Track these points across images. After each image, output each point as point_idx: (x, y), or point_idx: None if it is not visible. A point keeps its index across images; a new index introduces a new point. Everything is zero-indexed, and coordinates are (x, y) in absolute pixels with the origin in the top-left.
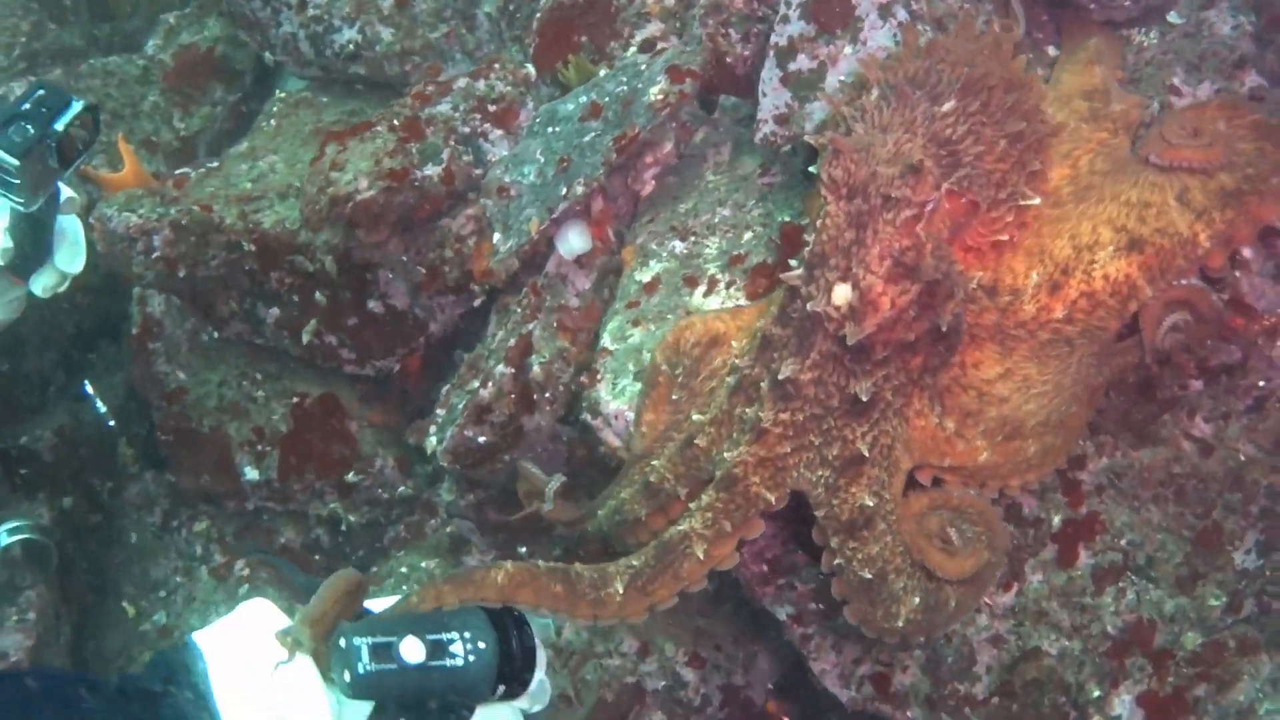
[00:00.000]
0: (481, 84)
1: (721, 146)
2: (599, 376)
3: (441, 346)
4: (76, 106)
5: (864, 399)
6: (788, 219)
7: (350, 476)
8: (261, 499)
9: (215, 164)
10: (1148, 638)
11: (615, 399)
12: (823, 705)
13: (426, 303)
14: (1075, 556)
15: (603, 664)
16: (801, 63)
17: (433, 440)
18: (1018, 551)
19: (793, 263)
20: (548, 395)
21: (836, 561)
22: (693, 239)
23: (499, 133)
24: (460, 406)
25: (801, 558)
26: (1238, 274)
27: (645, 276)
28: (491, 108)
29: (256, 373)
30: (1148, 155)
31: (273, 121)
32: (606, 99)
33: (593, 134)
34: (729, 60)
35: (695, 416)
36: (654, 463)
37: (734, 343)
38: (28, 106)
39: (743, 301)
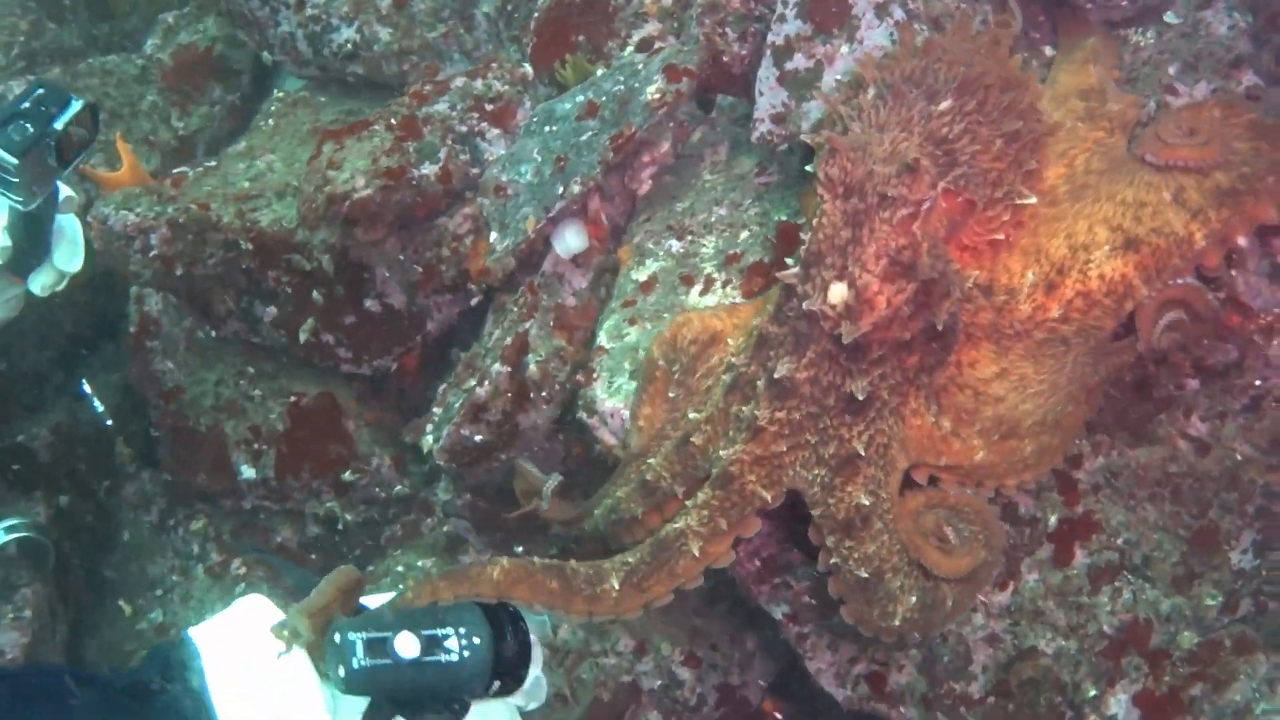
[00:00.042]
0: (479, 83)
1: (719, 146)
2: (595, 375)
3: (438, 345)
4: (76, 105)
5: (860, 398)
6: (784, 218)
7: (347, 475)
8: (258, 498)
9: (213, 163)
10: (1144, 637)
11: (611, 397)
12: (818, 704)
13: (423, 301)
14: (1071, 556)
15: (599, 663)
16: (798, 62)
17: (429, 439)
18: (1014, 551)
19: (789, 261)
20: (544, 394)
21: (833, 561)
22: (689, 238)
23: (496, 132)
24: (457, 405)
25: (797, 556)
26: (1234, 273)
27: (642, 275)
28: (489, 107)
29: (253, 371)
30: (1143, 154)
31: (270, 121)
32: (603, 98)
33: (590, 133)
34: (726, 59)
35: (691, 415)
36: (650, 461)
37: (730, 341)
38: (27, 105)
39: (739, 300)
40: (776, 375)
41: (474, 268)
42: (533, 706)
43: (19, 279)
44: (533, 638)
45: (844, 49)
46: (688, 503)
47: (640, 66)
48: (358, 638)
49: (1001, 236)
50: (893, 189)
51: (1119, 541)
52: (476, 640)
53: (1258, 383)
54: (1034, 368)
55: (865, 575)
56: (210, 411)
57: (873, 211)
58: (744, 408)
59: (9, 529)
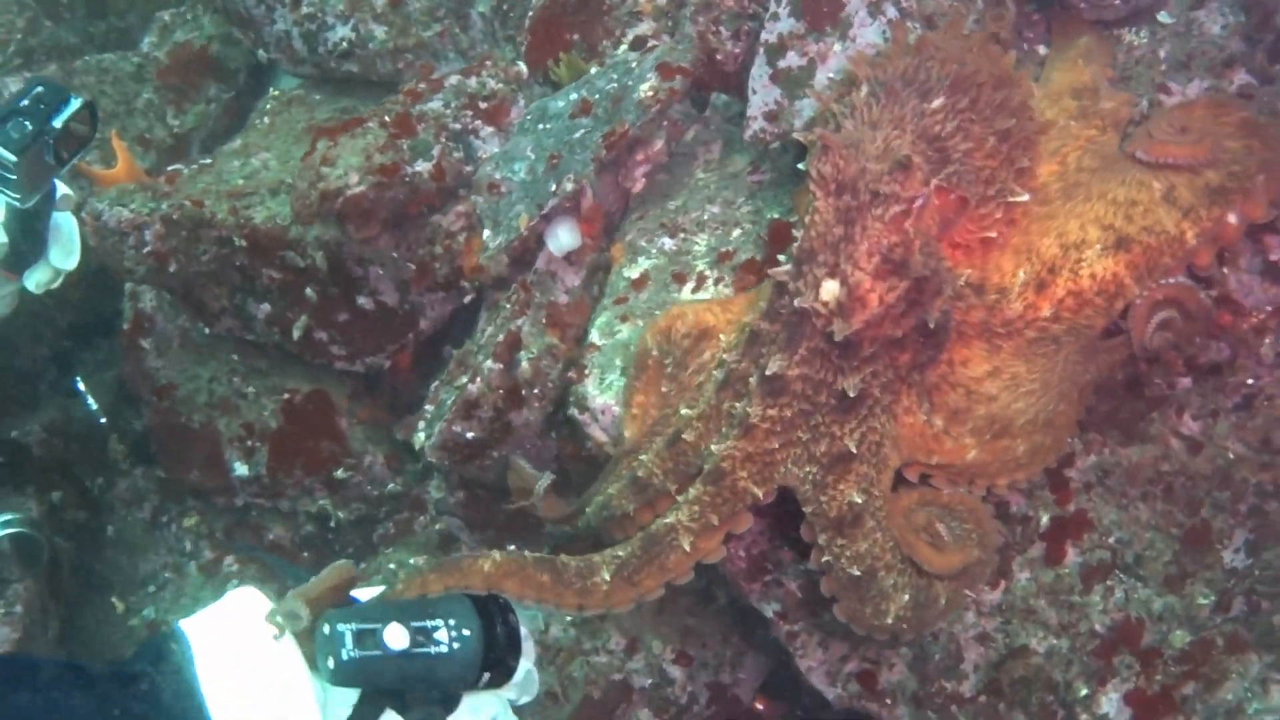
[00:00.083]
0: (473, 81)
1: (712, 144)
2: (586, 372)
3: (431, 343)
4: (75, 104)
5: (852, 395)
6: (777, 216)
7: (339, 473)
8: (251, 495)
9: (208, 160)
10: (1136, 636)
11: (602, 394)
12: (810, 703)
13: (416, 299)
14: (1063, 554)
15: (590, 661)
16: (791, 60)
17: (421, 436)
18: (1005, 549)
19: (781, 258)
20: (536, 391)
21: (825, 559)
22: (682, 236)
23: (490, 130)
24: (449, 402)
25: (788, 554)
26: (1225, 271)
27: (634, 273)
28: (483, 105)
29: (246, 369)
30: (1135, 152)
31: (266, 119)
32: (597, 96)
33: (583, 131)
34: (719, 58)
35: (683, 411)
36: (642, 458)
37: (722, 336)
38: (26, 103)
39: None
40: (768, 372)
41: (467, 265)
42: (525, 700)
43: (14, 276)
44: (524, 631)
45: (837, 47)
46: (679, 498)
47: (634, 64)
48: (347, 629)
49: (994, 234)
50: (885, 186)
51: (1111, 540)
52: (466, 632)
53: (1250, 381)
54: (1026, 366)
55: (858, 573)
56: (203, 408)
57: (865, 209)
58: (736, 404)
59: (2, 524)
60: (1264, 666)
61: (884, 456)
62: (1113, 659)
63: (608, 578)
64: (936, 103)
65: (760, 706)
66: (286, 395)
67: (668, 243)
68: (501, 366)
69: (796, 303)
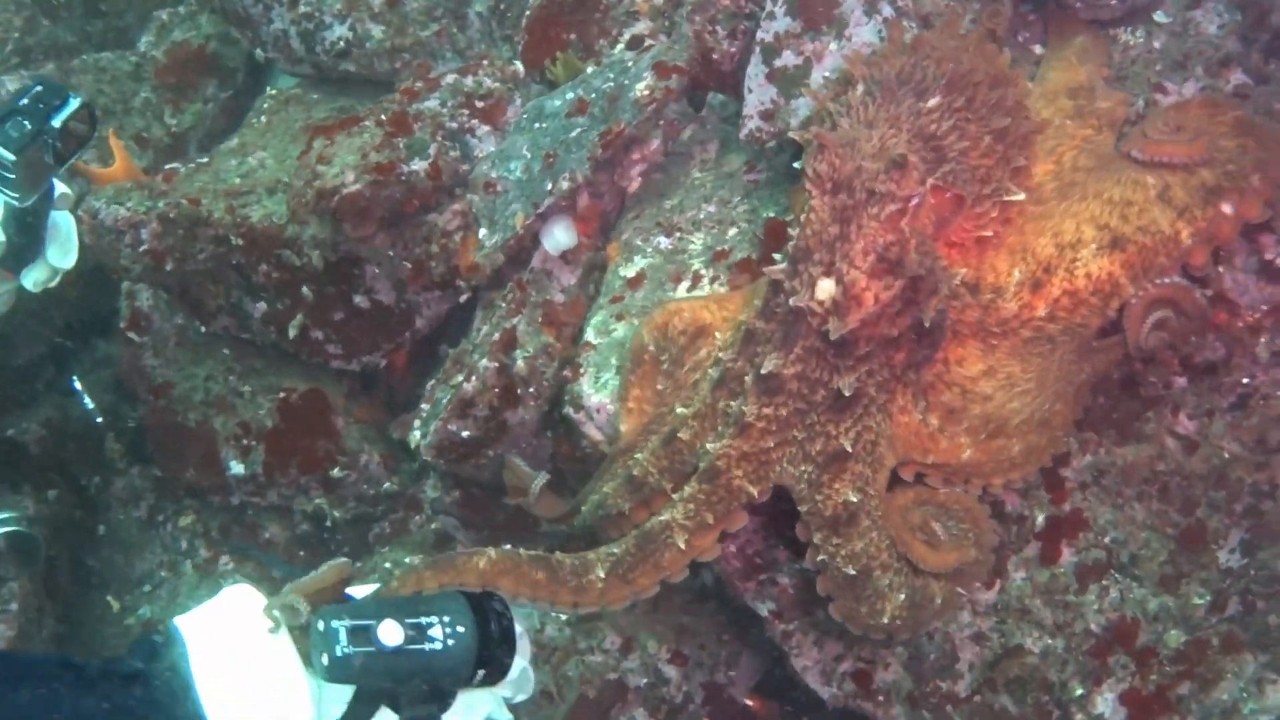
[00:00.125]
0: (470, 80)
1: (708, 144)
2: (581, 370)
3: (427, 342)
4: (74, 103)
5: (847, 394)
6: (773, 215)
7: (335, 472)
8: (246, 494)
9: (205, 159)
10: (1131, 636)
11: (598, 392)
12: (805, 703)
13: (412, 298)
14: (1058, 554)
15: (585, 660)
16: (787, 59)
17: (416, 435)
18: (1001, 549)
19: (777, 257)
20: (532, 390)
21: (820, 558)
22: (678, 235)
23: (486, 129)
24: (444, 401)
25: (783, 553)
26: (1221, 270)
27: (630, 272)
28: (479, 104)
29: (243, 367)
30: (1130, 151)
31: (263, 118)
32: (593, 95)
33: (579, 130)
34: (715, 57)
35: (679, 410)
36: (637, 456)
37: (718, 335)
38: (25, 102)
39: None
40: (764, 371)
41: (463, 264)
42: (520, 699)
43: (12, 275)
44: (519, 628)
45: (833, 46)
46: (674, 496)
47: (630, 64)
48: (341, 625)
49: (989, 233)
50: (881, 185)
51: (1106, 540)
52: (461, 629)
53: (1245, 380)
54: (1021, 366)
55: (853, 572)
56: (200, 407)
57: (861, 208)
58: (731, 403)
59: (0, 523)
60: (1259, 666)
61: (879, 455)
62: (1108, 659)
63: (602, 575)
64: (932, 102)
65: (755, 706)
66: (283, 394)
67: (664, 242)
68: (497, 365)
69: (792, 301)
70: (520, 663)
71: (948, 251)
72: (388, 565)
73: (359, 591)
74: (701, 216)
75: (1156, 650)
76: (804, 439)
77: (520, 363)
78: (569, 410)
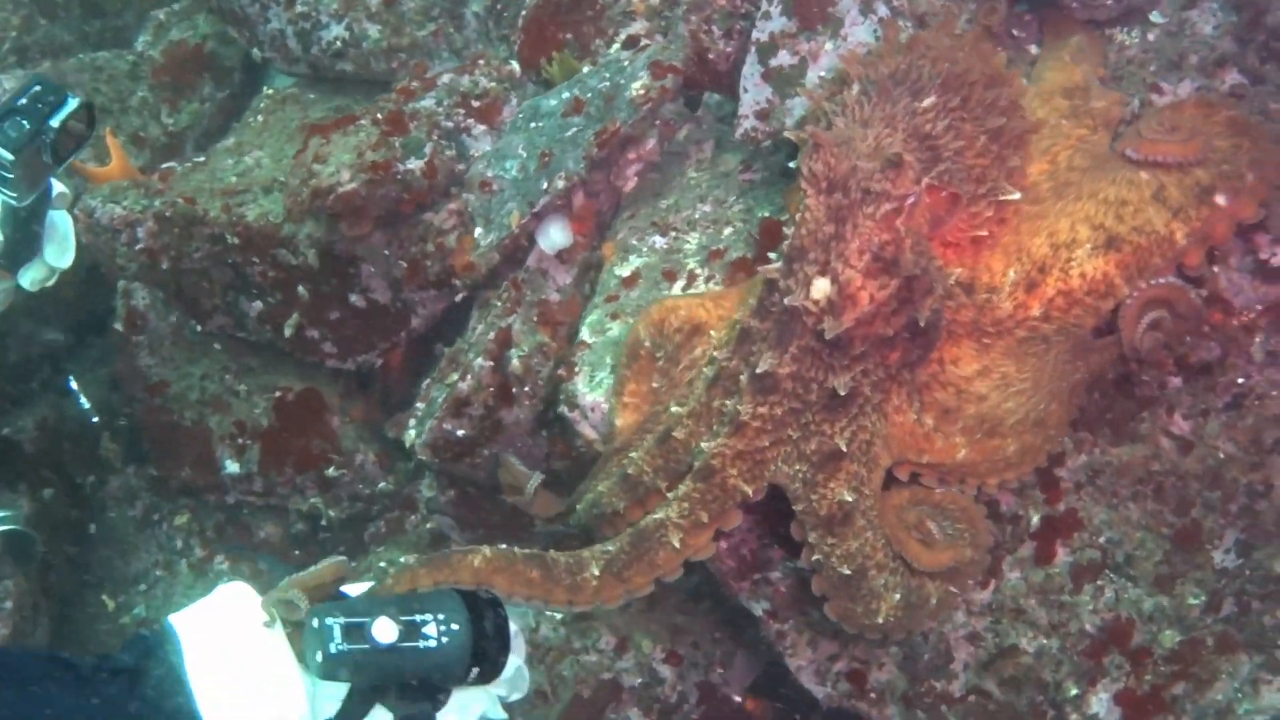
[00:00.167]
0: (466, 80)
1: (704, 143)
2: (576, 369)
3: (423, 341)
4: (73, 103)
5: (842, 393)
6: (768, 214)
7: (331, 471)
8: (241, 493)
9: (201, 159)
10: (1126, 636)
11: (592, 391)
12: (800, 703)
13: (408, 297)
14: (1053, 554)
15: (579, 660)
16: (783, 58)
17: (411, 434)
18: (996, 548)
19: (772, 256)
20: (527, 389)
21: (815, 557)
22: (673, 234)
23: (482, 128)
24: (439, 400)
25: (778, 553)
26: (1215, 269)
27: (625, 271)
28: (475, 103)
29: (239, 367)
30: (1125, 150)
31: (259, 117)
32: (589, 95)
33: (575, 129)
34: (711, 57)
35: (674, 409)
36: (632, 455)
37: (713, 333)
38: (24, 102)
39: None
40: (759, 370)
41: (459, 263)
42: (515, 697)
43: (9, 274)
44: (513, 627)
45: (828, 46)
46: (669, 494)
47: (626, 63)
48: (335, 622)
49: (984, 233)
50: (876, 184)
51: (1101, 540)
52: (455, 627)
53: (1240, 380)
54: (1016, 366)
55: (848, 572)
56: (195, 406)
57: (856, 207)
58: (727, 402)
59: None
60: (1254, 667)
61: (874, 455)
62: (1103, 659)
63: (597, 573)
64: (928, 101)
65: (750, 706)
66: (278, 393)
67: (659, 241)
68: (492, 364)
69: (787, 301)
70: (515, 661)
71: (943, 251)
72: (383, 564)
73: (354, 590)
74: (697, 216)
75: (1151, 650)
76: (799, 438)
77: (515, 362)
78: (564, 409)
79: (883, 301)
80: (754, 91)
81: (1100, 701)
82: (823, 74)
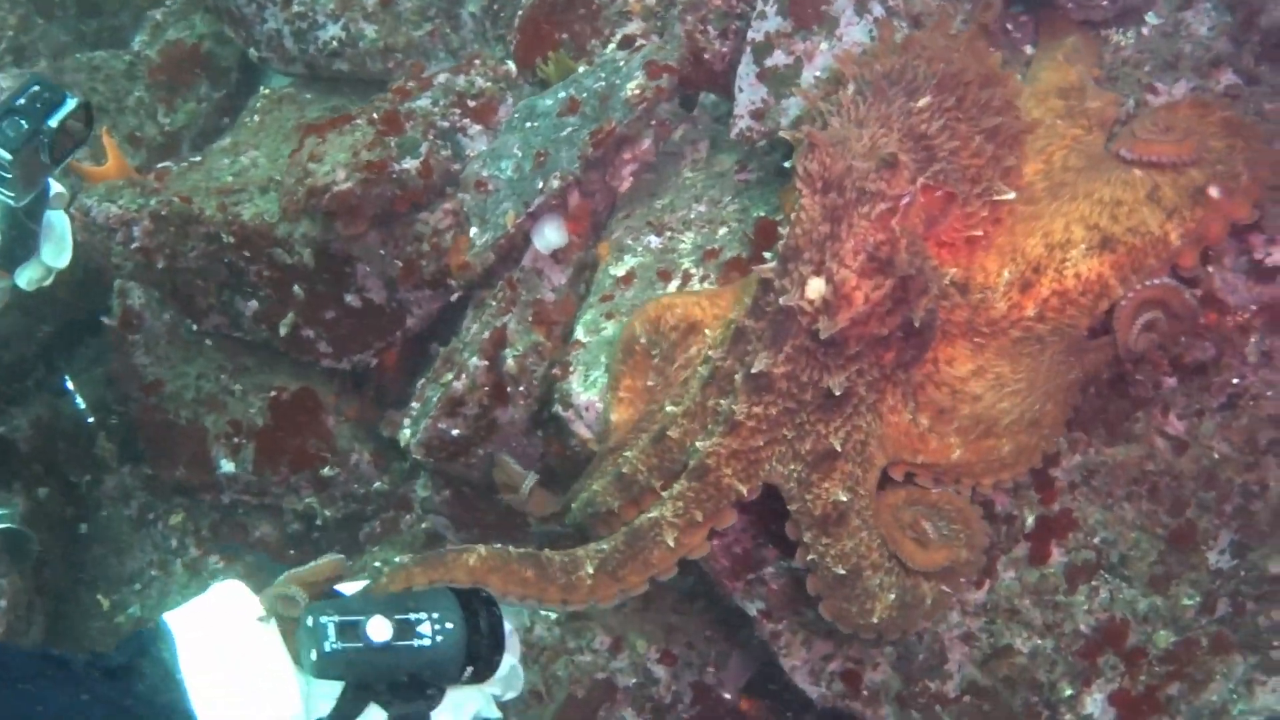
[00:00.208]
0: (461, 79)
1: (699, 143)
2: (571, 369)
3: (418, 341)
4: (71, 103)
5: (837, 393)
6: (763, 214)
7: (326, 471)
8: (237, 492)
9: (197, 158)
10: (1121, 636)
11: (587, 391)
12: (794, 703)
13: (404, 296)
14: (1048, 554)
15: (574, 660)
16: (778, 58)
17: (406, 433)
18: (990, 549)
19: (767, 255)
20: (521, 388)
21: (810, 557)
22: (668, 234)
23: (478, 128)
24: (434, 399)
25: (772, 552)
26: (1210, 270)
27: (620, 270)
28: (471, 103)
29: (234, 366)
30: (1120, 150)
31: (256, 117)
32: (584, 95)
33: (570, 129)
34: (707, 57)
35: (669, 408)
36: (627, 454)
37: (708, 332)
38: (22, 101)
39: None
40: (754, 370)
41: (454, 262)
42: (509, 696)
43: (5, 273)
44: (508, 626)
45: (823, 45)
46: (664, 494)
47: (621, 63)
48: (329, 621)
49: (979, 233)
50: (871, 184)
51: (1096, 540)
52: (449, 625)
53: (1235, 380)
54: (1010, 366)
55: (843, 572)
56: (190, 405)
57: (851, 207)
58: (721, 401)
59: None
60: (1249, 667)
61: (869, 455)
62: (1097, 659)
63: (591, 572)
64: (923, 101)
65: (744, 706)
66: (273, 392)
67: (654, 241)
68: (487, 364)
69: (782, 300)
70: (509, 660)
71: (938, 251)
72: (378, 564)
73: (348, 589)
74: (692, 216)
75: (1146, 651)
76: (794, 438)
77: (510, 361)
78: (558, 408)
79: (878, 301)
80: (749, 91)
81: (1095, 702)
82: (818, 74)
